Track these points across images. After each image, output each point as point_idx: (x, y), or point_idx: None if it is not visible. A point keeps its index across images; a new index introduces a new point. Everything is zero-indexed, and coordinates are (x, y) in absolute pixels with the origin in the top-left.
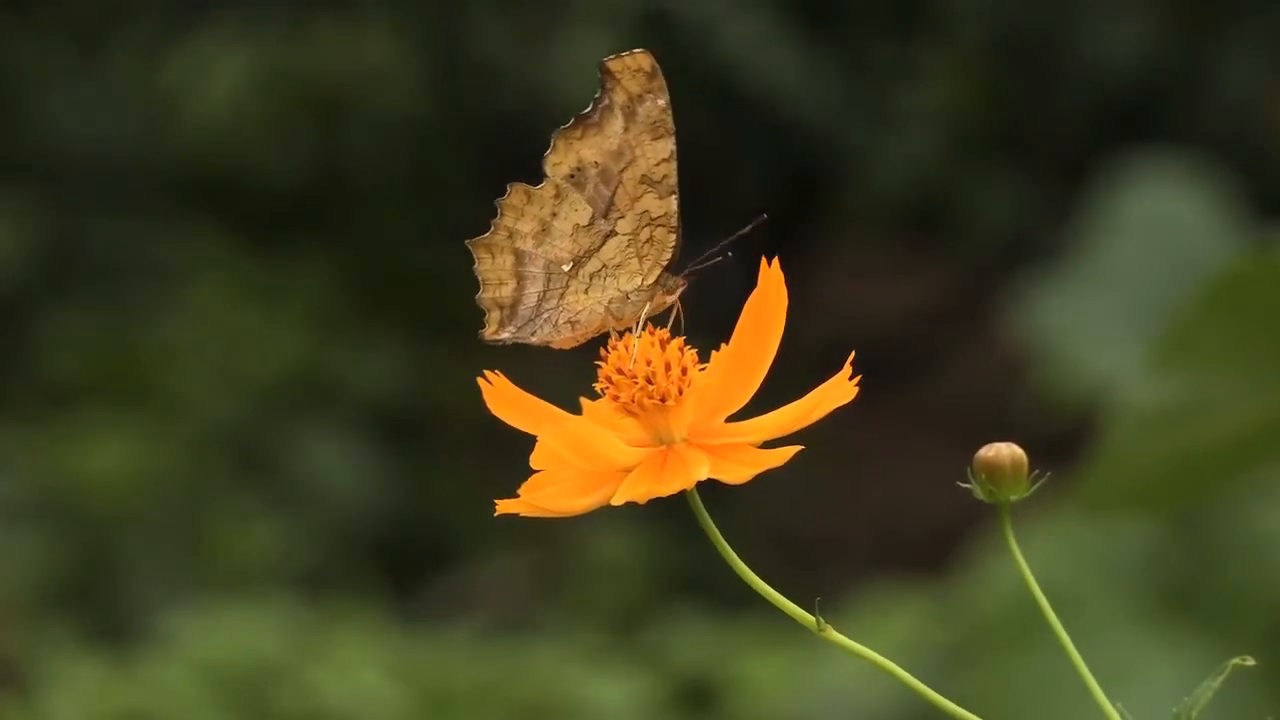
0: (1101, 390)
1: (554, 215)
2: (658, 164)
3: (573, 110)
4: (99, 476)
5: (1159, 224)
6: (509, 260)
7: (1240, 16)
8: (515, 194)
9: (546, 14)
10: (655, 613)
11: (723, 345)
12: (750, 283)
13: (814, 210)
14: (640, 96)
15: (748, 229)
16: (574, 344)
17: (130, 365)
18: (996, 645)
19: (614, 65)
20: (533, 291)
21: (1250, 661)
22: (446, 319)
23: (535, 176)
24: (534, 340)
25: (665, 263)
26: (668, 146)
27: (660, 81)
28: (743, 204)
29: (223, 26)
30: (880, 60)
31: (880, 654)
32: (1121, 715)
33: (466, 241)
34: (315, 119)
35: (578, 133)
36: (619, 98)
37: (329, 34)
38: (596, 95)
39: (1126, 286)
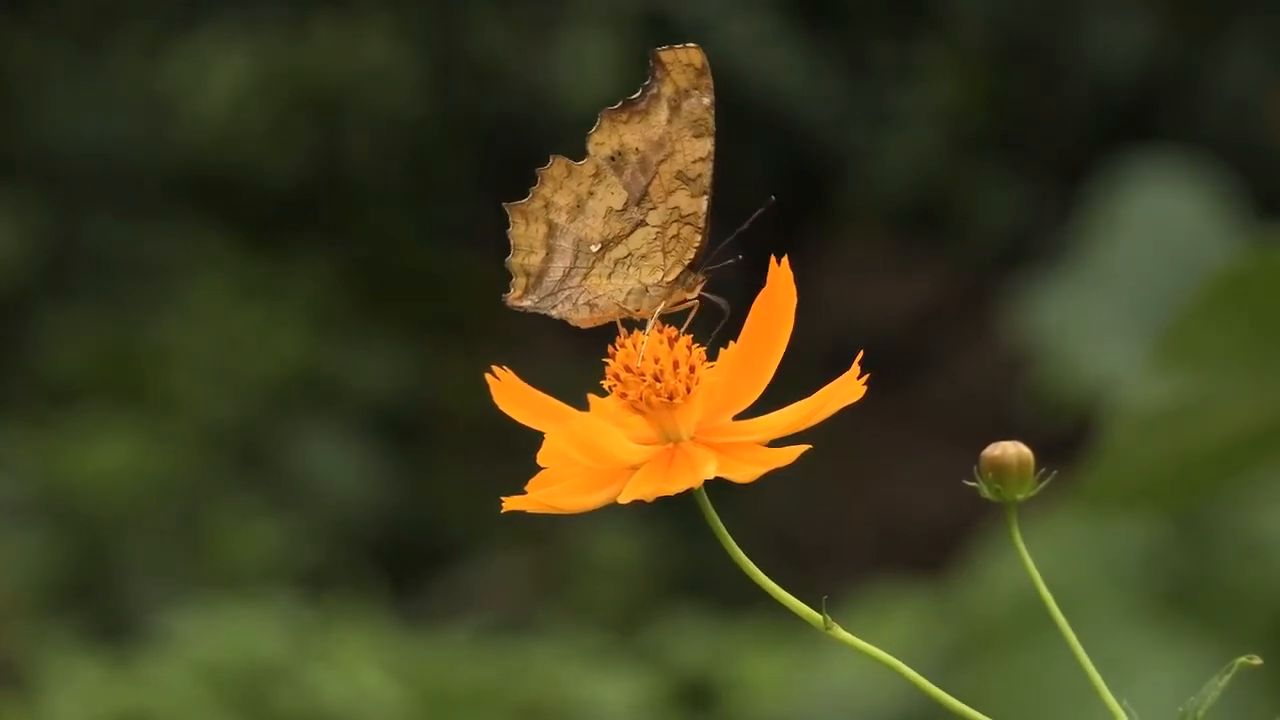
0: (1101, 390)
1: (590, 194)
2: (695, 162)
3: (571, 109)
4: (99, 476)
5: (1159, 224)
6: (542, 230)
7: (1240, 16)
8: (556, 166)
9: (546, 14)
10: (655, 613)
11: (730, 343)
12: (758, 281)
13: (814, 210)
14: (687, 91)
15: (756, 215)
16: (591, 324)
17: (130, 365)
18: (997, 645)
19: (665, 56)
20: (559, 265)
21: (1257, 660)
22: (446, 319)
23: (534, 178)
24: (553, 313)
25: (688, 262)
26: (706, 146)
27: (708, 80)
28: (743, 204)
29: (222, 26)
30: (880, 60)
31: (882, 653)
32: (1127, 714)
33: (504, 204)
34: (315, 119)
35: (623, 116)
36: (667, 89)
37: (329, 34)
38: (646, 82)
39: (1126, 286)
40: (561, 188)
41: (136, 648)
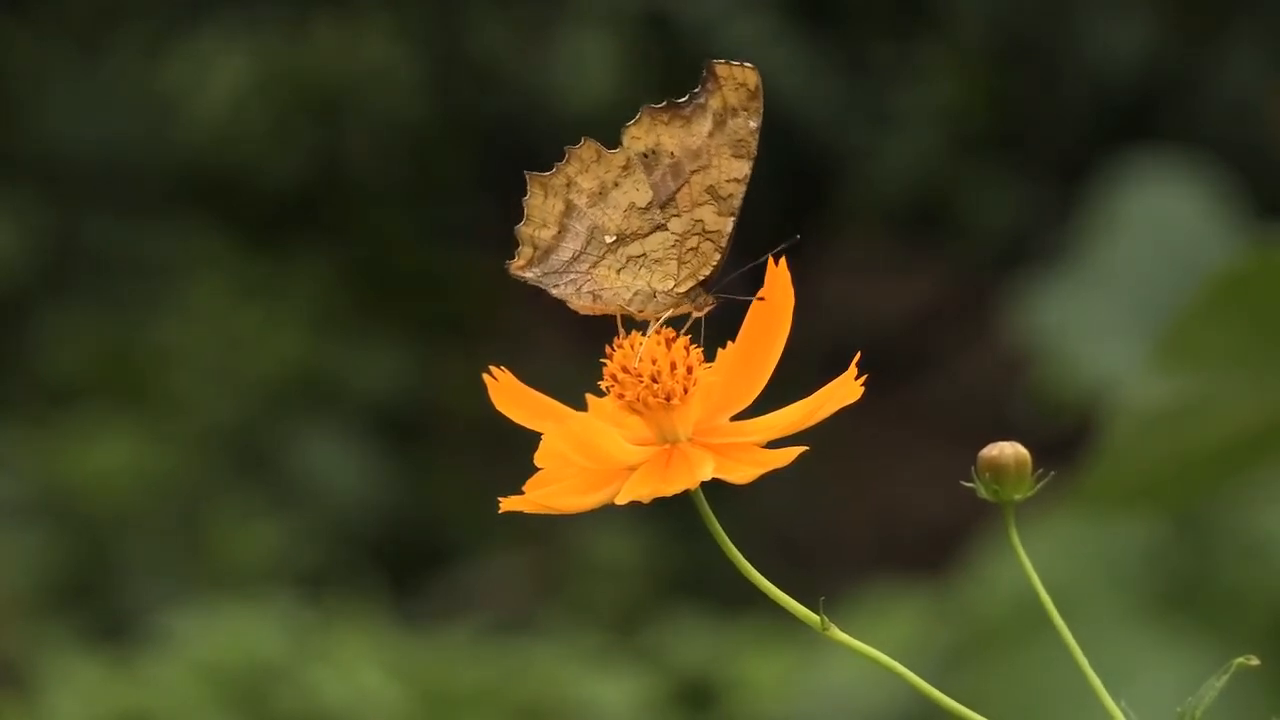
0: (1101, 390)
1: (616, 185)
2: (729, 181)
3: (571, 110)
4: (99, 476)
5: (1159, 223)
6: (559, 206)
7: (1240, 16)
8: (586, 147)
9: (546, 14)
10: (655, 613)
11: (729, 344)
12: (756, 281)
13: (814, 210)
14: (735, 110)
15: (777, 251)
16: (589, 313)
17: (130, 365)
18: (996, 645)
19: (721, 70)
20: (570, 247)
21: (1254, 661)
22: (446, 319)
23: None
24: (554, 292)
25: (702, 278)
26: (744, 169)
27: (759, 104)
28: (742, 203)
29: (222, 26)
30: (880, 60)
31: (880, 654)
32: (1125, 714)
33: (526, 172)
34: (315, 119)
35: (665, 117)
36: (714, 103)
37: (329, 34)
38: (695, 90)
39: (1126, 286)
40: (588, 170)
41: (136, 648)
